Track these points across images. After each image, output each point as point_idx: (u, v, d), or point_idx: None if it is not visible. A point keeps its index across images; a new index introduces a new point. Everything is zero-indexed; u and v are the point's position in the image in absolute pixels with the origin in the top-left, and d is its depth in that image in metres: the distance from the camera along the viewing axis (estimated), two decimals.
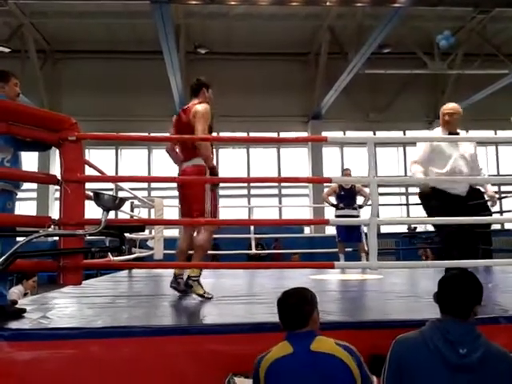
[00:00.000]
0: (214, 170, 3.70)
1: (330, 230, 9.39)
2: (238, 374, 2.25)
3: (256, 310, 3.27)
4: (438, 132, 4.03)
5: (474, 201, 3.86)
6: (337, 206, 7.47)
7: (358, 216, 7.37)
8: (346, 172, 7.86)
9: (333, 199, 7.62)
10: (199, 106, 3.71)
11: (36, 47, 13.01)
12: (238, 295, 3.94)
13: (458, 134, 3.94)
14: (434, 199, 3.90)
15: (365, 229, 7.30)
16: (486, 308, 3.09)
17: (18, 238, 2.73)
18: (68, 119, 2.95)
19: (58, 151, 2.99)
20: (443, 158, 3.84)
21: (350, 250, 7.70)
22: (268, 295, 4.00)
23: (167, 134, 4.20)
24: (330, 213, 8.23)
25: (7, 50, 12.15)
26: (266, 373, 1.90)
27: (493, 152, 15.31)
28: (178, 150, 3.91)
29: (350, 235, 7.43)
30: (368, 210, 8.19)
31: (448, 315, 1.93)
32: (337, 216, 7.38)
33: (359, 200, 7.59)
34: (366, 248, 6.99)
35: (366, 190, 7.48)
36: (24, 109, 2.82)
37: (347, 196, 7.45)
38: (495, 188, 3.95)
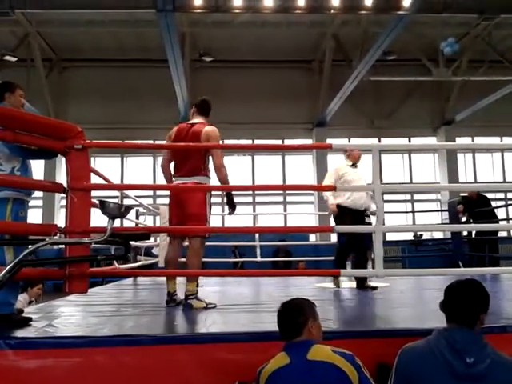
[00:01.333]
0: (231, 195, 3.85)
1: (336, 238, 9.31)
2: (243, 382, 2.24)
3: (262, 318, 3.26)
4: (343, 163, 5.35)
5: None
6: None
7: (370, 223, 7.23)
8: None
9: None
10: (210, 129, 3.77)
11: (42, 56, 13.12)
12: (244, 303, 3.92)
13: (357, 165, 5.29)
14: (340, 212, 5.10)
15: None
16: (493, 317, 3.06)
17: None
18: (74, 127, 2.97)
19: (63, 159, 3.01)
20: (347, 182, 5.08)
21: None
22: (274, 304, 3.99)
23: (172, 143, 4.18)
24: None
25: (14, 59, 12.26)
26: None
27: (499, 159, 15.25)
28: (172, 164, 3.90)
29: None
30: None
31: (454, 323, 1.92)
32: None
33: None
34: (372, 255, 6.93)
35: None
36: (30, 117, 2.84)
37: None
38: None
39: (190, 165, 3.73)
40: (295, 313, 2.02)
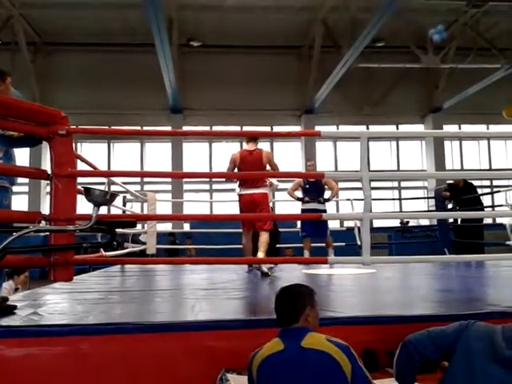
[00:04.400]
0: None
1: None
2: (230, 370, 2.25)
3: (249, 305, 3.26)
4: None
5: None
6: (302, 200, 7.01)
7: (324, 210, 6.87)
8: (308, 163, 7.39)
9: (299, 194, 7.16)
10: (267, 153, 5.44)
11: (26, 39, 12.82)
12: (231, 290, 3.92)
13: None
14: None
15: (358, 223, 7.24)
16: (479, 303, 3.10)
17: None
18: (58, 112, 2.91)
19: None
20: None
21: (316, 245, 7.29)
22: (261, 290, 4.01)
23: (159, 128, 4.17)
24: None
25: None
26: (257, 370, 1.90)
27: (485, 146, 15.38)
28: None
29: (317, 230, 6.94)
30: (334, 203, 7.76)
31: None
32: (302, 210, 6.99)
33: (327, 194, 7.10)
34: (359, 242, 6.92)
35: (334, 182, 7.03)
36: (13, 102, 2.77)
37: (312, 189, 6.96)
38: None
39: (255, 180, 5.26)
40: (293, 299, 2.00)
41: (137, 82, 13.48)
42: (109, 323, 2.46)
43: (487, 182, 14.72)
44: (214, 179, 13.98)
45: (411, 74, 13.91)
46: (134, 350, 2.33)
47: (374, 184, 13.38)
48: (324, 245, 7.12)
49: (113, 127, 12.77)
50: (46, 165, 11.94)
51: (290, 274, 5.41)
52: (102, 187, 3.92)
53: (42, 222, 2.87)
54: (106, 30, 13.10)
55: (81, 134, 12.94)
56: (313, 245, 7.14)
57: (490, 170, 15.02)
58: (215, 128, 13.58)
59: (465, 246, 7.78)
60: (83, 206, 3.54)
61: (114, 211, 6.77)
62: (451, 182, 8.65)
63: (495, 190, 13.44)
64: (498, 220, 13.10)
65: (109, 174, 6.53)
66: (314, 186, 6.97)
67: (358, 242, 7.98)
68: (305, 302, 1.99)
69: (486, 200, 11.39)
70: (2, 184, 2.78)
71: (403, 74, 13.92)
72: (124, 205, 6.94)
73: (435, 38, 10.80)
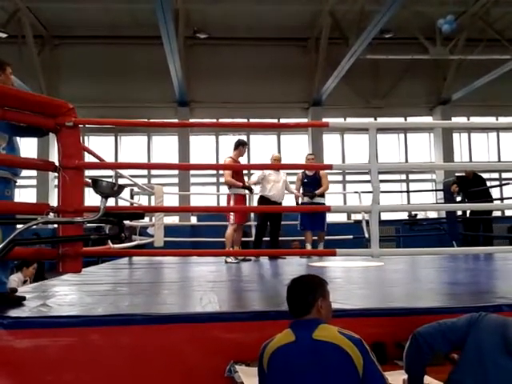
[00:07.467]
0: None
1: (330, 218, 9.20)
2: (239, 361, 2.25)
3: (257, 297, 3.26)
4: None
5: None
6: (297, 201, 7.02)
7: (323, 203, 6.89)
8: (309, 157, 7.28)
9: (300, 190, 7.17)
10: (227, 159, 6.38)
11: (33, 32, 12.80)
12: (239, 282, 3.93)
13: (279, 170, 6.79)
14: (261, 202, 6.56)
15: (366, 216, 7.20)
16: (488, 296, 3.08)
17: (18, 226, 2.70)
18: (65, 104, 2.91)
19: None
20: (268, 181, 6.56)
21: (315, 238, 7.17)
22: (269, 283, 4.00)
23: (166, 120, 4.18)
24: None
25: (4, 35, 11.99)
26: (268, 360, 1.89)
27: (494, 138, 15.22)
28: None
29: (314, 224, 6.94)
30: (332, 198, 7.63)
31: None
32: (301, 204, 7.01)
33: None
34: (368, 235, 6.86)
35: (327, 180, 7.00)
36: (20, 94, 2.78)
37: (311, 183, 6.96)
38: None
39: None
40: (305, 291, 1.97)
41: (143, 75, 13.45)
42: (118, 314, 2.47)
43: (496, 175, 14.58)
44: (220, 172, 13.96)
45: (419, 65, 13.76)
46: (142, 341, 2.34)
47: (381, 177, 13.16)
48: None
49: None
50: (54, 158, 11.97)
51: (295, 267, 5.41)
52: (108, 180, 3.93)
53: (50, 213, 2.87)
54: (112, 23, 13.06)
55: (88, 127, 12.97)
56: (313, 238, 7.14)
57: (499, 161, 14.87)
58: (222, 120, 13.55)
59: (473, 238, 7.74)
60: (91, 199, 3.55)
61: (122, 204, 6.78)
62: (460, 174, 8.58)
63: (504, 182, 13.34)
64: (507, 213, 13.01)
65: (116, 166, 6.54)
66: (311, 180, 7.00)
67: (366, 235, 7.95)
68: (317, 293, 1.96)
69: (495, 192, 11.30)
70: (4, 175, 2.75)
71: (411, 66, 13.78)
72: (131, 197, 6.96)
73: (445, 29, 10.67)
